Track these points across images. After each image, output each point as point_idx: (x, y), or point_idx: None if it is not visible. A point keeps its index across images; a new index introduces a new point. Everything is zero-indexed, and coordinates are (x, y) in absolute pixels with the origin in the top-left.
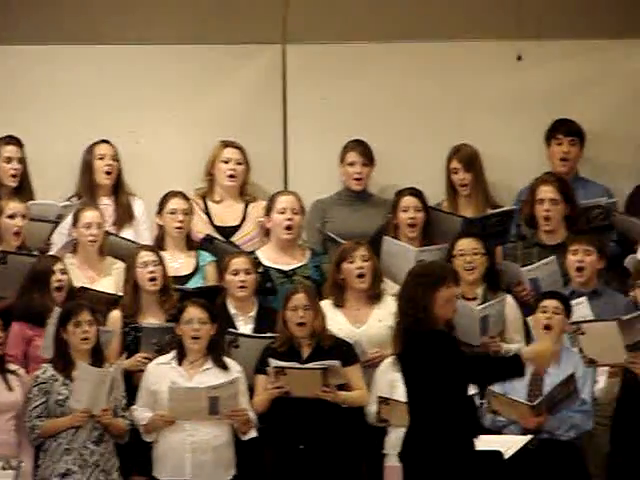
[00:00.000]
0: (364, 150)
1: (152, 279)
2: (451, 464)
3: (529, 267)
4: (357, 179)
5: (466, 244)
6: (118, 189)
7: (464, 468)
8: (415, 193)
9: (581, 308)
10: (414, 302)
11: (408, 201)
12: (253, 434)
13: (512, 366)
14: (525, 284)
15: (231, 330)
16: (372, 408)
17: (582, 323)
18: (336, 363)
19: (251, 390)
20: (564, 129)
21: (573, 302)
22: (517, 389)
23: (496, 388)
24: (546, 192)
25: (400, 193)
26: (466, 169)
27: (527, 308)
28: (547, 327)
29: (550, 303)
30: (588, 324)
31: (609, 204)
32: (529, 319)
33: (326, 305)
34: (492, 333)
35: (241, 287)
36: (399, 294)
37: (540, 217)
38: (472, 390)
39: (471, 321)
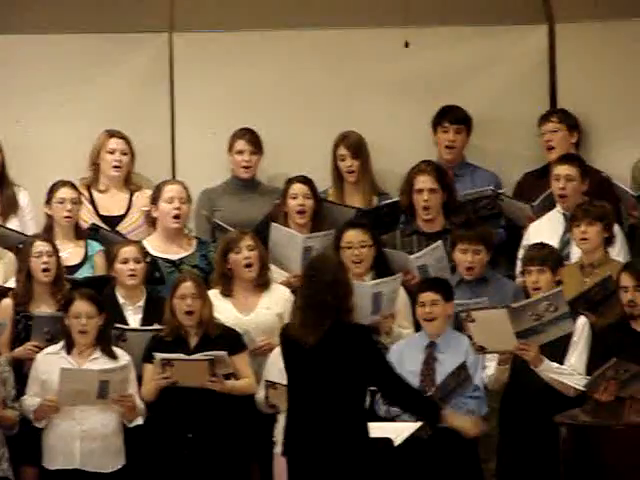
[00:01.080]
0: (252, 138)
1: (45, 270)
2: (341, 453)
3: (417, 254)
4: (245, 167)
5: (353, 236)
6: (2, 180)
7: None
8: (304, 180)
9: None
10: (336, 292)
11: (297, 188)
12: (139, 421)
13: (429, 411)
14: (414, 272)
15: (118, 326)
16: (260, 394)
17: (472, 311)
18: (223, 353)
19: (140, 379)
20: (450, 116)
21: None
22: (408, 377)
23: None
24: (424, 182)
25: (290, 181)
26: (353, 156)
27: None
28: (428, 319)
29: (427, 297)
30: (478, 312)
31: (495, 193)
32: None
33: (214, 294)
34: (385, 312)
35: (131, 275)
36: (317, 283)
37: (419, 207)
38: None
39: (363, 298)
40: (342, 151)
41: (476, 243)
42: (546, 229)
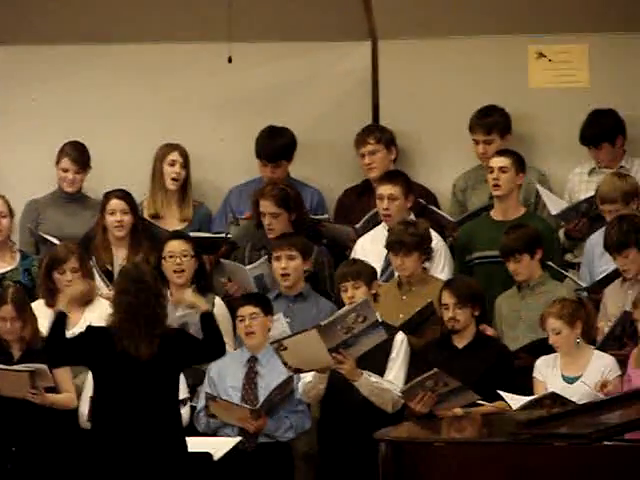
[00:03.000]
0: (77, 155)
1: None
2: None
3: (252, 265)
4: (70, 182)
5: (176, 246)
6: None
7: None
8: (122, 196)
9: (278, 325)
10: (161, 302)
11: (114, 204)
12: None
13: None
14: (245, 283)
15: None
16: (84, 409)
17: (282, 340)
18: (43, 366)
19: None
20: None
21: (274, 317)
22: (229, 393)
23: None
24: (266, 207)
25: (107, 196)
26: (183, 164)
27: None
28: (248, 333)
29: (245, 310)
30: (288, 339)
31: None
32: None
33: (39, 305)
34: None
35: None
36: (144, 293)
37: (267, 228)
38: (183, 394)
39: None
40: (174, 157)
41: (289, 249)
42: (372, 246)
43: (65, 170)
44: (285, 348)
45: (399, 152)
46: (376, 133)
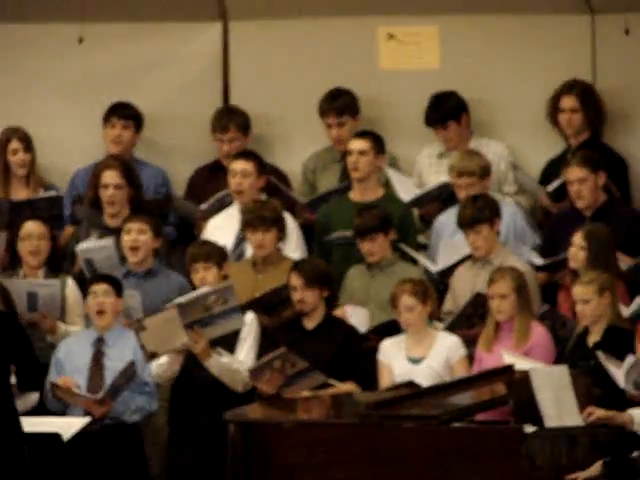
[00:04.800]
0: None
1: None
2: None
3: (83, 246)
4: None
5: (32, 228)
6: None
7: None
8: None
9: (133, 302)
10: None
11: None
12: None
13: None
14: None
15: None
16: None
17: (144, 319)
18: None
19: None
20: (118, 113)
21: (125, 293)
22: (75, 375)
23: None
24: (111, 177)
25: None
26: (26, 150)
27: None
28: (99, 312)
29: (98, 287)
30: (148, 318)
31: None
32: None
33: None
34: (43, 311)
35: None
36: None
37: (105, 201)
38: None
39: (19, 295)
40: (14, 145)
41: (140, 223)
42: (223, 226)
43: None
44: (144, 328)
45: (251, 134)
46: (232, 116)
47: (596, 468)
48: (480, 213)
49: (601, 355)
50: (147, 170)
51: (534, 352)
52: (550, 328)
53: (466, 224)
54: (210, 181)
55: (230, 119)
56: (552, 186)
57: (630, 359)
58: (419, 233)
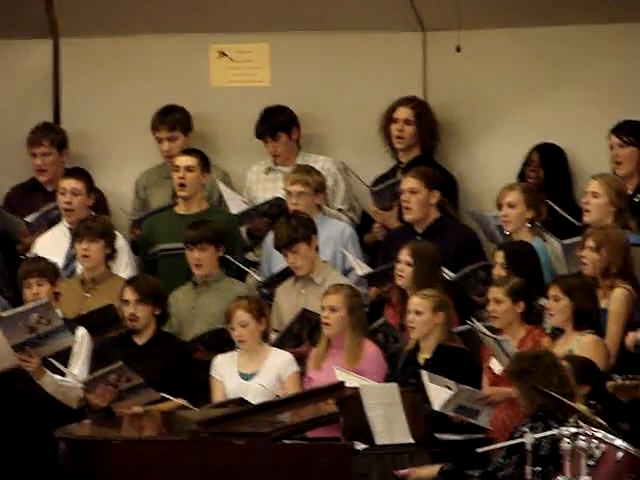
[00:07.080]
0: None
1: None
2: None
3: None
4: None
5: None
6: None
7: None
8: None
9: None
10: None
11: None
12: None
13: None
14: None
15: None
16: None
17: None
18: None
19: None
20: None
21: None
22: None
23: None
24: None
25: None
26: None
27: None
28: None
29: None
30: None
31: None
32: None
33: None
34: None
35: None
36: None
37: None
38: None
39: None
40: None
41: None
42: (52, 243)
43: None
44: None
45: (80, 152)
46: (50, 135)
47: (431, 470)
48: (294, 232)
49: (425, 375)
50: None
51: (366, 370)
52: (383, 342)
53: (282, 245)
54: (28, 199)
55: (44, 135)
56: (378, 187)
57: (455, 388)
58: (248, 251)
